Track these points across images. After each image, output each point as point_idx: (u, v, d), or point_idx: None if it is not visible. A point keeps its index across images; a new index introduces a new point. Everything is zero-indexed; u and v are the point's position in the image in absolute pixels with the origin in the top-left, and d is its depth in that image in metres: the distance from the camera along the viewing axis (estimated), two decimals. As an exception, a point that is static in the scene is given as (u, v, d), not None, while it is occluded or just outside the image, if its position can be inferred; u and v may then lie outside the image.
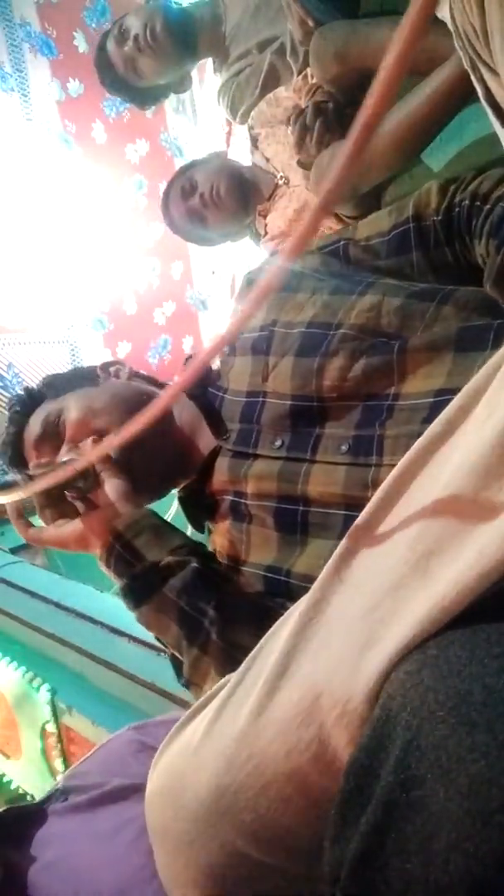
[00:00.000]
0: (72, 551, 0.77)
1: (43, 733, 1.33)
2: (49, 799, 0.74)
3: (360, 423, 0.70)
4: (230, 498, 0.79)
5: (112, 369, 0.96)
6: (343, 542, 0.40)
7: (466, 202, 0.76)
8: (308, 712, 0.33)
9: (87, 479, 0.77)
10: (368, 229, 0.86)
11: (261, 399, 0.78)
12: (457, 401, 0.41)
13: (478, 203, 0.75)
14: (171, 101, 2.91)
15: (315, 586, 0.40)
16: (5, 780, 1.53)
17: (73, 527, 0.75)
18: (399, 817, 0.24)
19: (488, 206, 0.73)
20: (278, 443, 0.75)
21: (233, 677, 0.42)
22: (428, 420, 0.55)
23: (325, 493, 0.69)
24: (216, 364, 0.92)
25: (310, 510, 0.71)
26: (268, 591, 0.72)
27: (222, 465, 0.80)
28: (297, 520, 0.71)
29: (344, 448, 0.69)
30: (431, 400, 0.65)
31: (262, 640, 0.42)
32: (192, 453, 0.86)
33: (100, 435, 0.81)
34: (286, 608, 0.45)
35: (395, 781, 0.24)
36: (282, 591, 0.69)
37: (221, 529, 0.81)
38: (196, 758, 0.40)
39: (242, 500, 0.77)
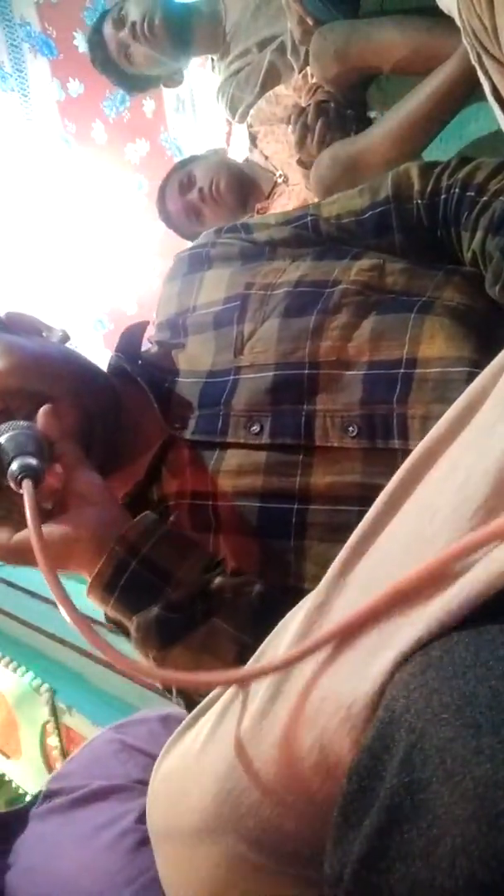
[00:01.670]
0: (26, 566, 0.54)
1: (43, 733, 1.33)
2: (33, 803, 0.73)
3: (368, 398, 0.59)
4: (187, 501, 0.64)
5: (28, 325, 0.74)
6: (348, 542, 0.40)
7: (456, 190, 0.68)
8: (311, 717, 0.33)
9: (42, 461, 0.54)
10: (337, 208, 0.76)
11: (231, 377, 0.65)
12: (465, 396, 0.40)
13: (470, 193, 0.67)
14: (171, 101, 2.90)
15: (319, 588, 0.39)
16: (5, 779, 1.53)
17: (38, 534, 0.48)
18: (403, 820, 0.23)
19: (485, 199, 0.65)
20: (255, 428, 0.62)
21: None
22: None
23: (338, 484, 0.58)
24: (147, 346, 0.78)
25: (308, 508, 0.59)
26: None
27: (178, 461, 0.65)
28: (290, 520, 0.59)
29: (353, 430, 0.58)
30: (466, 369, 0.55)
31: (263, 644, 0.42)
32: (137, 447, 0.69)
33: (37, 402, 0.59)
34: None
35: (399, 784, 0.24)
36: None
37: None
38: (198, 763, 0.39)
39: (206, 503, 0.63)
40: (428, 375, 0.57)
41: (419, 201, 0.71)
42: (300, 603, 0.41)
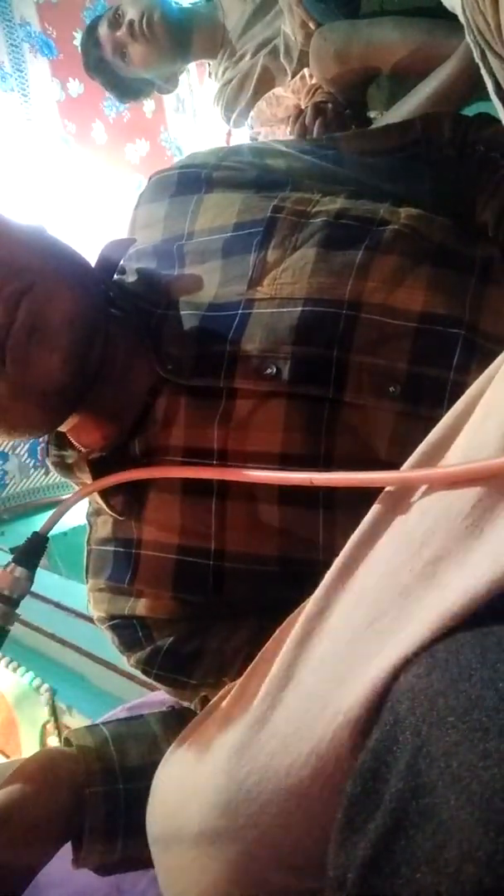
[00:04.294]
0: None
1: (43, 733, 1.33)
2: None
3: (420, 357, 0.50)
4: (179, 459, 0.55)
5: None
6: (347, 546, 0.39)
7: (481, 148, 0.62)
8: (307, 725, 0.33)
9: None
10: (359, 143, 0.67)
11: (239, 311, 0.55)
12: (460, 403, 0.40)
13: (494, 154, 0.61)
14: (171, 101, 2.91)
15: (318, 594, 0.38)
16: (5, 780, 1.53)
17: None
18: (409, 825, 0.23)
19: None
20: (270, 370, 0.52)
21: (234, 689, 0.41)
22: None
23: (365, 447, 0.50)
24: (126, 275, 0.65)
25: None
26: (280, 582, 0.53)
27: (171, 410, 0.56)
28: (318, 488, 0.50)
29: (394, 390, 0.50)
30: None
31: (262, 650, 0.41)
32: (121, 393, 0.59)
33: (24, 282, 0.51)
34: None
35: (404, 788, 0.24)
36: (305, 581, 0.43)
37: (159, 510, 0.57)
38: (197, 773, 0.39)
39: (207, 462, 0.54)
40: (491, 351, 0.47)
41: (450, 151, 0.64)
42: (298, 609, 0.40)
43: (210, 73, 1.74)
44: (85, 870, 0.58)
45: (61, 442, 0.65)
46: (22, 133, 2.42)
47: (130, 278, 0.64)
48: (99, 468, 0.60)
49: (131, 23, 1.52)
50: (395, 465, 0.40)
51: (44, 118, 2.49)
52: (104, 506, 0.60)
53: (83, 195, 2.66)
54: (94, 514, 0.65)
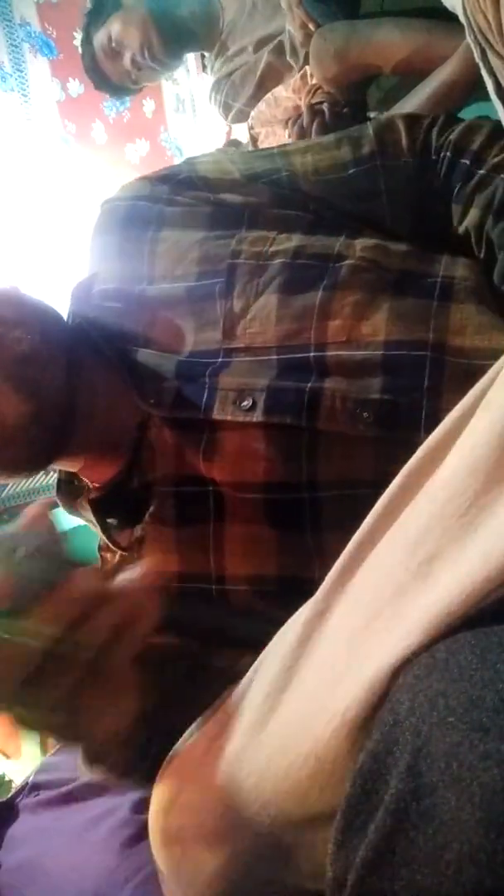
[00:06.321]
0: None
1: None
2: (19, 794, 0.73)
3: (389, 383, 0.51)
4: (172, 489, 0.57)
5: None
6: (347, 548, 0.39)
7: (448, 154, 0.60)
8: (305, 727, 0.33)
9: None
10: (312, 160, 0.65)
11: (219, 360, 0.56)
12: (463, 403, 0.40)
13: (465, 161, 0.59)
14: (171, 101, 2.90)
15: (318, 596, 0.38)
16: (5, 779, 1.53)
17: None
18: (409, 826, 0.23)
19: (482, 172, 0.58)
20: (246, 403, 0.54)
21: (236, 691, 0.41)
22: None
23: (350, 470, 0.51)
24: (109, 315, 0.66)
25: (320, 496, 0.52)
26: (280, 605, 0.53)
27: (161, 442, 0.57)
28: (304, 512, 0.52)
29: (367, 416, 0.50)
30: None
31: (263, 652, 0.41)
32: (112, 430, 0.61)
33: None
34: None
35: (404, 788, 0.24)
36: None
37: (157, 541, 0.59)
38: (198, 774, 0.39)
39: (201, 489, 0.56)
40: (462, 366, 0.50)
41: (409, 160, 0.62)
42: (299, 611, 0.41)
43: (205, 67, 1.72)
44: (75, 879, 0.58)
45: (71, 480, 0.68)
46: (22, 133, 2.42)
47: (102, 318, 0.66)
48: (99, 506, 0.63)
49: (133, 58, 1.49)
50: (382, 485, 0.40)
51: (44, 118, 2.49)
52: (107, 541, 0.62)
53: (83, 195, 2.66)
54: (104, 548, 0.67)
